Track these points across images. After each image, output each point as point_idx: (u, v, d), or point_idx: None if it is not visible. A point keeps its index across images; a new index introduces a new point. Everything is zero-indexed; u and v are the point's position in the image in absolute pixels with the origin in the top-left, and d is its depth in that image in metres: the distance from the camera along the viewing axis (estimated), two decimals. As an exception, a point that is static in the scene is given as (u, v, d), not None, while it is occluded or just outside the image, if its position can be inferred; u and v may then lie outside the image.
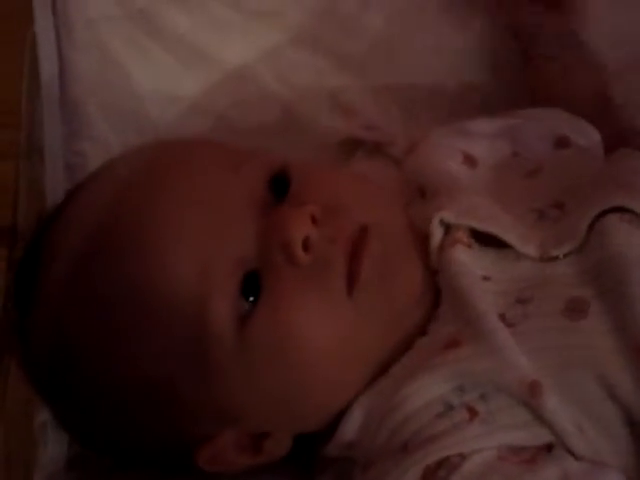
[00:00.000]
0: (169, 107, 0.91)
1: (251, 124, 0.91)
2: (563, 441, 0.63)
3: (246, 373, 0.65)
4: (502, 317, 0.66)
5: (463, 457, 0.63)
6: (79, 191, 0.72)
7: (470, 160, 0.77)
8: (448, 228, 0.70)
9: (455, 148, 0.77)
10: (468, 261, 0.68)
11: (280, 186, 0.69)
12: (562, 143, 0.79)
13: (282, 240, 0.65)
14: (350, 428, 0.67)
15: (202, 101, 0.91)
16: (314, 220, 0.66)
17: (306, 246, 0.65)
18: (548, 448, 0.63)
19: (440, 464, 0.63)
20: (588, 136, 0.79)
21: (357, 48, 0.92)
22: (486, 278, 0.68)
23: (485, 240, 0.69)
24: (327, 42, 0.91)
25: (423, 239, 0.70)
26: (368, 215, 0.68)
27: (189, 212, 0.66)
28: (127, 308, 0.65)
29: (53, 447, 0.74)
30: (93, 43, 0.89)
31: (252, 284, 0.65)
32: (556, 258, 0.68)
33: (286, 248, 0.65)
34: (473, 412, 0.64)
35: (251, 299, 0.65)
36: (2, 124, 0.83)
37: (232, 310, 0.65)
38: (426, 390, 0.64)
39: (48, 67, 0.88)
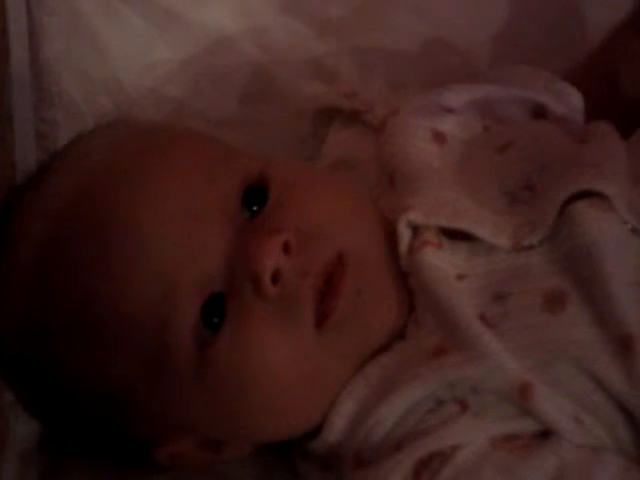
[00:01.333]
0: (143, 74, 0.88)
1: (228, 91, 0.89)
2: (559, 434, 0.62)
3: (204, 392, 0.65)
4: (482, 317, 0.65)
5: (455, 448, 0.62)
6: (46, 173, 0.70)
7: (439, 137, 0.75)
8: (416, 228, 0.68)
9: (424, 126, 0.75)
10: (439, 263, 0.66)
11: (256, 197, 0.66)
12: (539, 112, 0.78)
13: (251, 271, 0.63)
14: (332, 435, 0.66)
15: (177, 68, 0.89)
16: (287, 249, 0.64)
17: (275, 278, 0.63)
18: (543, 434, 0.63)
19: (432, 456, 0.62)
20: (567, 101, 0.78)
21: (339, 12, 0.90)
22: (460, 277, 0.67)
23: (456, 235, 0.68)
24: (309, 6, 0.89)
25: (393, 237, 0.68)
26: (344, 239, 0.66)
27: (159, 223, 0.64)
28: (87, 317, 0.64)
29: (24, 425, 0.73)
30: (64, 6, 0.86)
31: (216, 307, 0.64)
32: (529, 247, 0.66)
33: (254, 280, 0.63)
34: (464, 405, 0.63)
35: (215, 320, 0.64)
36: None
37: (192, 334, 0.63)
38: (412, 395, 0.64)
39: (17, 31, 0.85)
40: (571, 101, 0.78)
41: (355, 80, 0.90)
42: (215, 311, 0.63)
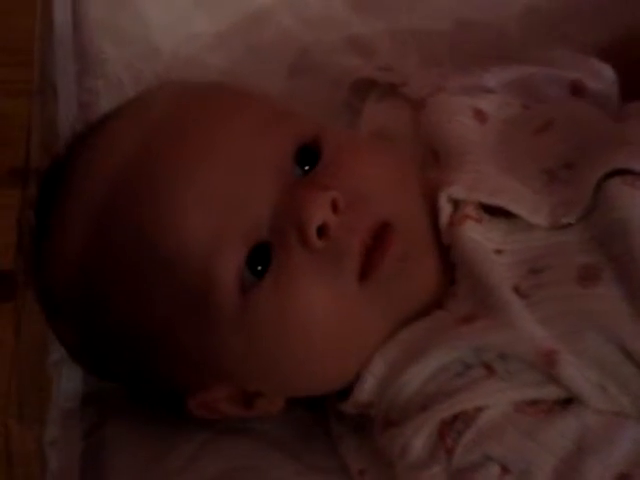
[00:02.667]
0: (183, 45, 0.90)
1: (266, 64, 0.90)
2: (583, 401, 0.63)
3: (244, 337, 0.65)
4: (516, 289, 0.66)
5: (479, 410, 0.63)
6: (111, 120, 0.71)
7: (480, 115, 0.76)
8: (457, 203, 0.69)
9: (465, 104, 0.76)
10: (478, 236, 0.68)
11: (309, 157, 0.67)
12: (577, 88, 0.78)
13: (298, 221, 0.64)
14: (363, 394, 0.67)
15: (216, 40, 0.91)
16: (335, 207, 0.65)
17: (322, 232, 0.64)
18: (566, 401, 0.64)
19: (457, 417, 0.64)
20: (602, 77, 0.78)
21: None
22: (498, 251, 0.68)
23: (495, 211, 0.69)
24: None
25: (435, 211, 0.69)
26: (392, 207, 0.67)
27: (212, 172, 0.65)
28: (137, 255, 0.66)
29: (67, 384, 0.75)
30: (105, -20, 0.87)
31: (262, 255, 0.65)
32: (566, 226, 0.67)
33: (301, 229, 0.64)
34: (491, 370, 0.64)
35: (259, 268, 0.65)
36: (15, 62, 0.81)
37: (236, 278, 0.64)
38: (441, 359, 0.65)
39: (60, 4, 0.87)
40: (605, 76, 0.79)
41: (390, 56, 0.91)
42: (260, 259, 0.65)
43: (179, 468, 0.71)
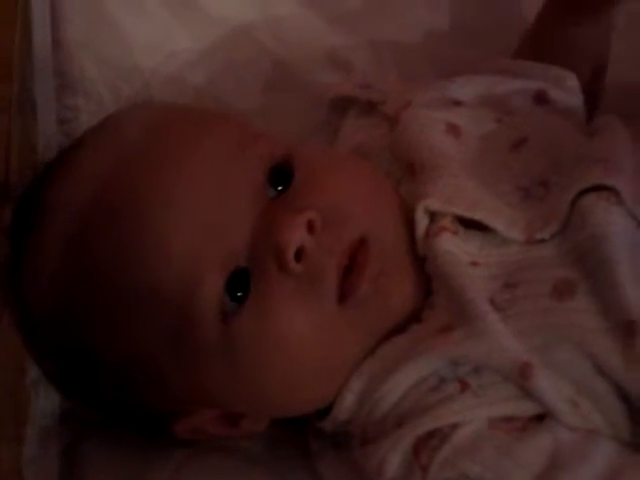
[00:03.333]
0: (163, 62, 0.90)
1: (245, 81, 0.90)
2: (555, 416, 0.63)
3: (227, 364, 0.65)
4: (491, 301, 0.66)
5: (454, 427, 0.63)
6: (80, 148, 0.71)
7: (454, 129, 0.76)
8: (434, 215, 0.69)
9: (438, 118, 0.76)
10: (454, 249, 0.68)
11: (282, 177, 0.67)
12: (541, 98, 0.79)
13: (275, 246, 0.64)
14: (342, 412, 0.68)
15: (196, 57, 0.91)
16: (311, 228, 0.65)
17: (299, 255, 0.64)
18: (539, 418, 0.64)
19: (431, 434, 0.64)
20: (566, 86, 0.79)
21: (351, 5, 0.92)
22: (474, 264, 0.68)
23: (471, 224, 0.69)
24: (322, -1, 0.90)
25: (412, 223, 0.69)
26: (368, 222, 0.67)
27: (186, 199, 0.65)
28: (113, 288, 0.65)
29: (45, 402, 0.74)
30: (86, -5, 0.87)
31: (241, 281, 0.65)
32: (541, 241, 0.68)
33: (278, 255, 0.64)
34: (464, 384, 0.64)
35: (239, 294, 0.65)
36: (-6, 77, 0.81)
37: (216, 306, 0.64)
38: (417, 371, 0.65)
39: (40, 19, 0.87)
40: (569, 85, 0.79)
41: (369, 72, 0.91)
42: (240, 285, 0.64)
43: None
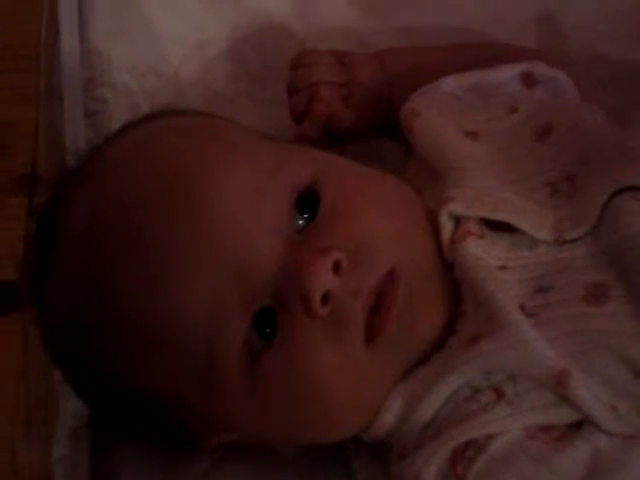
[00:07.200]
0: (192, 53, 0.89)
1: (275, 70, 0.88)
2: (594, 423, 0.62)
3: (253, 404, 0.64)
4: (522, 308, 0.64)
5: (489, 437, 0.63)
6: (90, 180, 0.68)
7: (470, 134, 0.74)
8: (458, 219, 0.68)
9: (451, 124, 0.74)
10: (481, 253, 0.66)
11: (308, 204, 0.65)
12: (528, 79, 0.77)
13: (301, 290, 0.62)
14: (380, 430, 0.66)
15: (225, 46, 0.90)
16: (337, 268, 0.63)
17: (325, 299, 0.62)
18: (578, 425, 0.63)
19: (468, 445, 0.63)
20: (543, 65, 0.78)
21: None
22: (502, 267, 0.66)
23: (498, 226, 0.67)
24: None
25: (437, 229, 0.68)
26: (397, 252, 0.65)
27: (209, 237, 0.63)
28: (136, 329, 0.64)
29: (75, 403, 0.73)
30: (113, -14, 0.87)
31: (267, 319, 0.63)
32: (571, 241, 0.66)
33: (304, 300, 0.62)
34: (500, 393, 0.63)
35: (267, 331, 0.63)
36: (21, 69, 0.81)
37: (242, 346, 0.63)
38: (450, 386, 0.64)
39: (67, 10, 0.86)
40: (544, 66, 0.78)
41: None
42: (267, 322, 0.63)
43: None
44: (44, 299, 0.69)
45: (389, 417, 0.66)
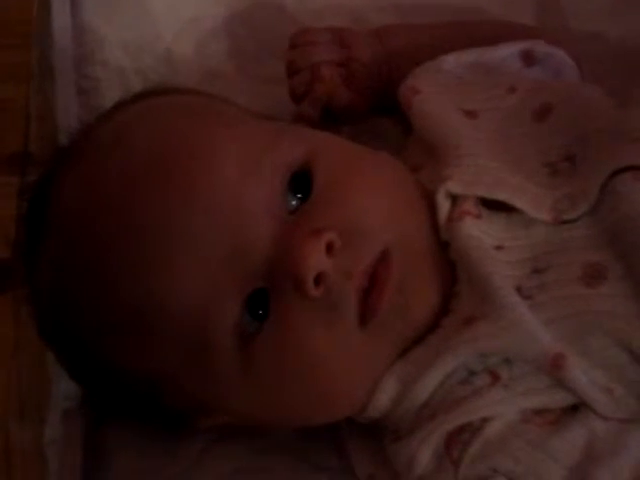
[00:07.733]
0: (185, 29, 0.88)
1: (268, 46, 0.88)
2: (590, 406, 0.62)
3: (247, 385, 0.64)
4: (519, 289, 0.64)
5: (485, 421, 0.62)
6: (82, 162, 0.67)
7: (469, 113, 0.73)
8: (455, 199, 0.67)
9: (450, 103, 0.74)
10: (478, 233, 0.65)
11: (301, 183, 0.65)
12: (528, 58, 0.77)
13: (293, 273, 0.61)
14: (375, 411, 0.66)
15: (219, 23, 0.89)
16: (330, 249, 0.62)
17: (318, 280, 0.62)
18: (573, 408, 0.63)
19: (463, 428, 0.62)
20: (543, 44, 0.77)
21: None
22: (499, 247, 0.66)
23: (495, 205, 0.67)
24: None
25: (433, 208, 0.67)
26: (390, 232, 0.64)
27: (203, 220, 0.62)
28: (133, 298, 0.63)
29: (68, 384, 0.73)
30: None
31: (261, 299, 0.63)
32: (569, 221, 0.65)
33: (297, 282, 0.61)
34: (495, 376, 0.63)
35: (260, 312, 0.63)
36: (13, 45, 0.80)
37: (235, 327, 0.62)
38: (444, 368, 0.63)
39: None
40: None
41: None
42: (260, 303, 0.63)
43: (186, 467, 0.71)
44: (35, 279, 0.68)
45: (384, 398, 0.65)
